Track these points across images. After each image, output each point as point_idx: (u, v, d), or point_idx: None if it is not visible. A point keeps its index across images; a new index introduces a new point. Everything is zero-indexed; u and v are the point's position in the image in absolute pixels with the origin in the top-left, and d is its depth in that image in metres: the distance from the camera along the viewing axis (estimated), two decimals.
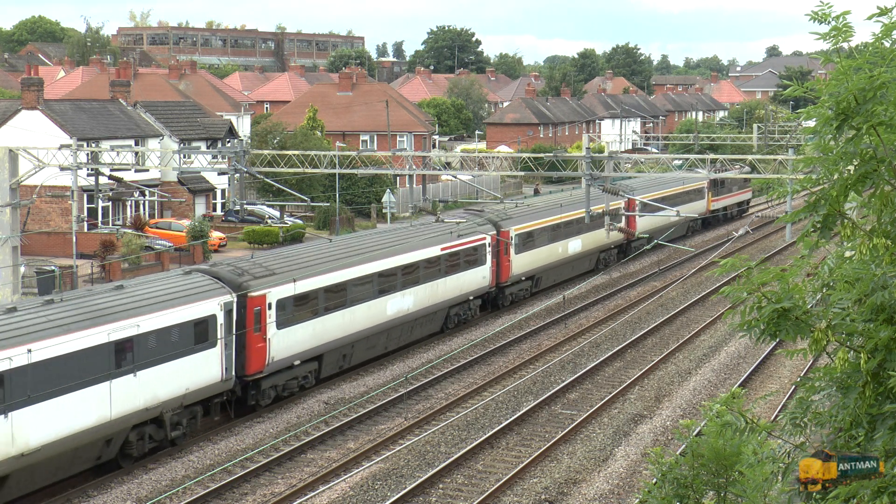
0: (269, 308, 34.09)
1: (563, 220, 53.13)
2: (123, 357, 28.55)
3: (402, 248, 41.68)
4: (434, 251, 43.18)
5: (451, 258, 44.45)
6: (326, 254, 38.33)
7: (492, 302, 49.97)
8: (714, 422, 9.59)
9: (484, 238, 46.79)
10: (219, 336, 31.81)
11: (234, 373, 32.93)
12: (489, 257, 47.30)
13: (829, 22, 8.09)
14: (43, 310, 27.50)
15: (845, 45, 8.06)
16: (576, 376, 39.72)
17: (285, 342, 34.82)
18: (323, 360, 37.42)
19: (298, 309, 35.56)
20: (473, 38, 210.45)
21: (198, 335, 31.12)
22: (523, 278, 50.85)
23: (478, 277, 46.85)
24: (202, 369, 31.38)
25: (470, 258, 45.89)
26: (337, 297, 37.54)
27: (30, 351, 25.60)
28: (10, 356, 25.19)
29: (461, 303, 46.17)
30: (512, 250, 48.36)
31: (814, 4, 8.16)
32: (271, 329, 34.16)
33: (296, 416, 35.22)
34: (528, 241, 48.94)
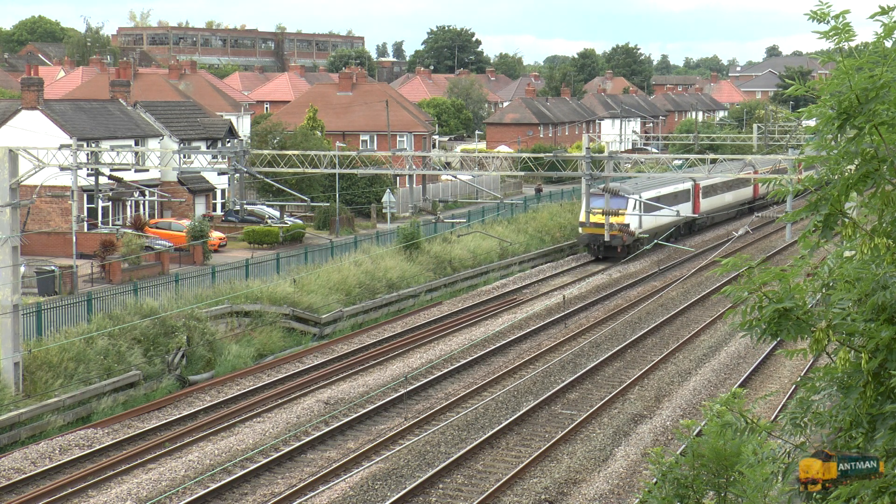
0: (700, 189, 74.52)
1: (725, 181, 78.74)
2: (676, 199, 69.76)
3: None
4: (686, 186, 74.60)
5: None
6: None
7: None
8: (714, 422, 9.58)
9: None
10: (690, 197, 72.98)
11: (692, 213, 72.30)
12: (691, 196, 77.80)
13: (829, 21, 8.08)
14: (650, 181, 67.48)
15: (847, 44, 8.05)
16: (576, 376, 39.71)
17: (705, 204, 76.62)
18: (710, 216, 78.45)
19: (707, 190, 75.96)
20: (473, 38, 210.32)
21: (686, 195, 72.26)
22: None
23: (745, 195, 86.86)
24: (687, 209, 70.68)
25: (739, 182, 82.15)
26: (714, 191, 78.82)
27: (642, 198, 63.97)
28: (643, 195, 64.09)
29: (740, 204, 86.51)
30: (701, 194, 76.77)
31: (813, 4, 8.15)
32: (700, 197, 75.19)
33: (296, 416, 35.22)
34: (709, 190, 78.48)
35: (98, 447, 31.97)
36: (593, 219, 61.78)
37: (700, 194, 76.74)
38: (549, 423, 34.79)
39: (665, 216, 66.70)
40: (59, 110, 67.08)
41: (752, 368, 41.09)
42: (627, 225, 63.97)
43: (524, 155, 68.89)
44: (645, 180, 67.01)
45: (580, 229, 65.36)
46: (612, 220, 62.14)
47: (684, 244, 73.05)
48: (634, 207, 64.44)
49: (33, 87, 66.23)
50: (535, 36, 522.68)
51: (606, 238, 66.46)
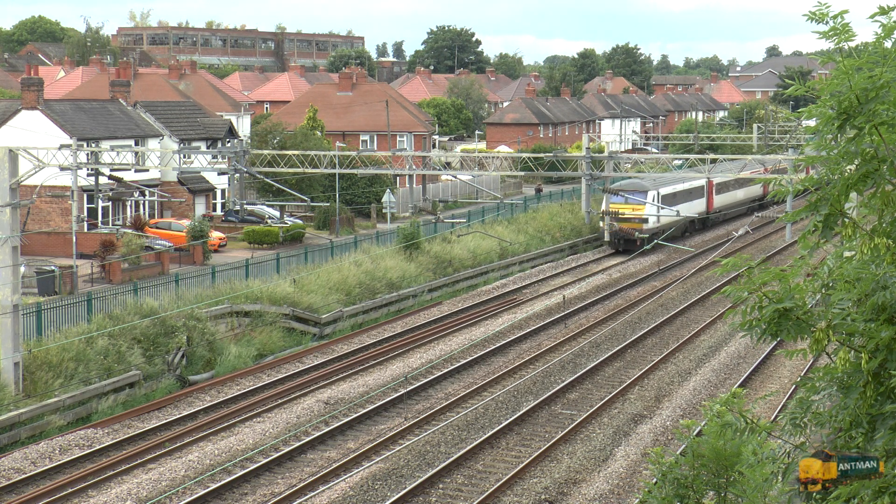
0: (714, 186, 78.79)
1: (737, 179, 79.84)
2: (691, 195, 74.88)
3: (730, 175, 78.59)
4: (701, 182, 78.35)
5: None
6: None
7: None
8: (714, 422, 9.58)
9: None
10: (704, 193, 77.78)
11: (706, 209, 78.82)
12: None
13: (827, 22, 8.08)
14: (667, 178, 69.52)
15: (846, 44, 8.04)
16: (576, 376, 39.71)
17: (718, 201, 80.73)
18: (723, 212, 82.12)
19: (720, 187, 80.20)
20: (473, 38, 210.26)
21: (700, 191, 76.81)
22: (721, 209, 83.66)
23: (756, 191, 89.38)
24: (701, 205, 77.48)
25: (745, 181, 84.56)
26: (726, 188, 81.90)
27: (661, 192, 69.51)
28: (661, 191, 69.51)
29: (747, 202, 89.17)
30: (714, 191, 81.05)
31: (813, 5, 8.15)
32: (714, 194, 79.60)
33: (296, 416, 35.23)
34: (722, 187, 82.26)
35: (98, 447, 31.97)
36: (613, 213, 69.41)
37: (714, 191, 79.83)
38: (549, 423, 34.79)
39: (682, 210, 70.66)
40: (59, 110, 67.09)
41: (752, 368, 41.09)
42: (646, 219, 68.34)
43: (524, 155, 69.01)
44: (662, 177, 69.30)
45: (601, 223, 71.08)
46: (630, 213, 68.36)
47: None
48: (653, 201, 68.56)
49: (33, 87, 66.23)
50: (535, 36, 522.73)
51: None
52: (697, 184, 75.73)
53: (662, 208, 68.68)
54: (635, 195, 68.36)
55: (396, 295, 52.76)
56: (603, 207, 70.13)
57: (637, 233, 67.71)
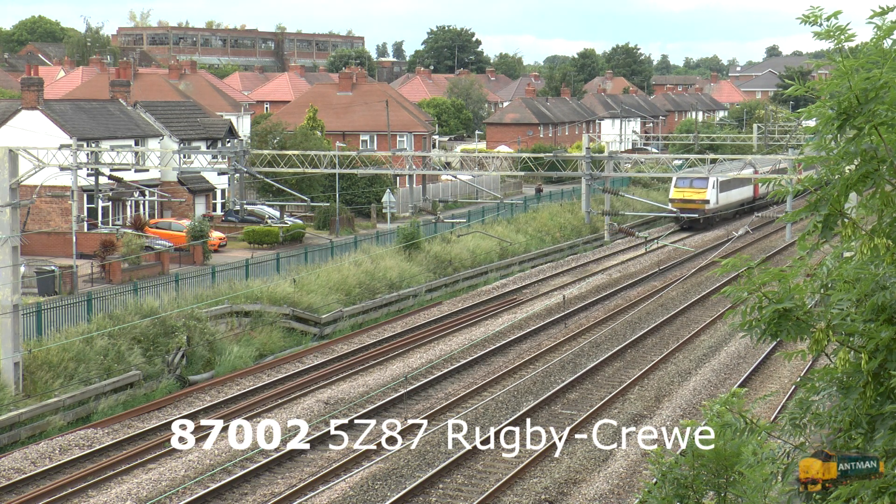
0: (758, 183, 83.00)
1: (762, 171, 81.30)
2: (742, 183, 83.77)
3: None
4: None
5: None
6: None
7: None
8: (714, 422, 9.58)
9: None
10: (752, 182, 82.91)
11: (752, 195, 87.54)
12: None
13: (821, 24, 8.08)
14: (721, 168, 79.33)
15: (846, 45, 8.05)
16: (576, 376, 39.71)
17: (762, 188, 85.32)
18: (766, 198, 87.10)
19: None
20: (473, 38, 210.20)
21: (749, 180, 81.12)
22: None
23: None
24: (749, 191, 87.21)
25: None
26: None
27: (719, 179, 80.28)
28: (719, 178, 79.14)
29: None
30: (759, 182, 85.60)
31: (806, 8, 8.16)
32: (759, 183, 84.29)
33: (296, 415, 35.23)
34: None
35: (98, 447, 31.98)
36: (679, 195, 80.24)
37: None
38: (549, 422, 34.78)
39: (734, 195, 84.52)
40: (59, 110, 67.06)
41: (752, 368, 41.09)
42: (708, 200, 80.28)
43: (524, 155, 69.03)
44: (717, 170, 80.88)
45: (670, 204, 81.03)
46: (694, 196, 80.00)
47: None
48: (713, 187, 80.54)
49: (33, 87, 66.20)
50: (535, 36, 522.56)
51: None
52: (745, 174, 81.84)
53: (721, 193, 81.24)
54: (699, 181, 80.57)
55: (396, 295, 52.77)
56: (672, 188, 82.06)
57: (700, 212, 79.88)
